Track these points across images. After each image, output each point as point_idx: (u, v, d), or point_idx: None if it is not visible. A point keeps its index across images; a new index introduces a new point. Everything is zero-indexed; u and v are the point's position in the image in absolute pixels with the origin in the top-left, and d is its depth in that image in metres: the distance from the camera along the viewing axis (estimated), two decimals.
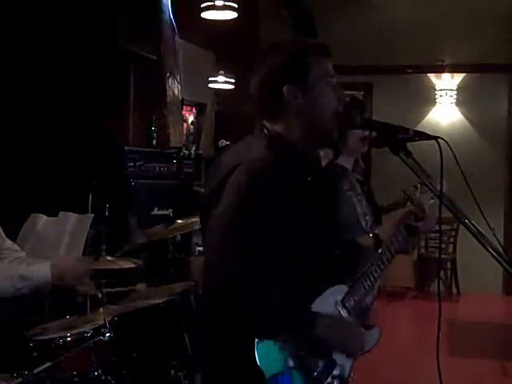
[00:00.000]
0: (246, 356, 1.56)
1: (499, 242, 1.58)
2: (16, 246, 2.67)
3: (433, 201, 2.04)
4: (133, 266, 2.89)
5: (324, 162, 2.50)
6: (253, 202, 1.56)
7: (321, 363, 1.68)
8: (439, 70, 8.00)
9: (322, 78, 1.71)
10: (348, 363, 1.77)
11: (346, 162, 2.63)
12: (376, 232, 2.09)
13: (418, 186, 2.06)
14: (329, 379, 1.70)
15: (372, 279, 1.85)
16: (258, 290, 1.56)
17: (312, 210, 1.71)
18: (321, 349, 1.64)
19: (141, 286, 2.72)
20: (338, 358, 1.72)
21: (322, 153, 2.28)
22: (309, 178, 1.76)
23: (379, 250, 1.94)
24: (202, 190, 4.79)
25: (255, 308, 1.57)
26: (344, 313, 1.76)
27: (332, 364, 1.70)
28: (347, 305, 1.77)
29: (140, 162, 4.28)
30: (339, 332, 1.67)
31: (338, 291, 1.77)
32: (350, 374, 1.79)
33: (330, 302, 1.74)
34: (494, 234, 1.61)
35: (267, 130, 1.73)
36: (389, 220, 2.11)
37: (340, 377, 1.73)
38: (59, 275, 2.37)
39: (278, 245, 1.59)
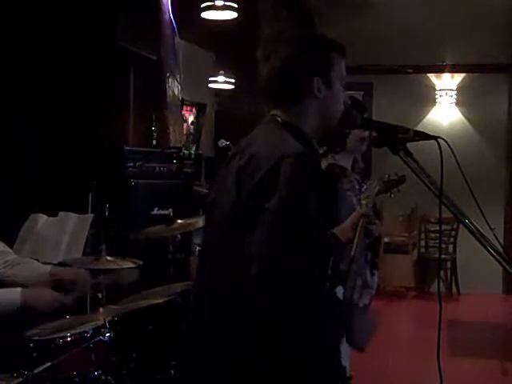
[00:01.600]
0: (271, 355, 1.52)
1: (499, 242, 1.58)
2: (7, 248, 2.67)
3: (371, 200, 2.21)
4: (133, 266, 2.89)
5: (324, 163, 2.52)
6: (307, 195, 1.53)
7: None
8: (439, 69, 8.00)
9: (339, 78, 1.73)
10: (348, 363, 1.80)
11: (344, 161, 2.63)
12: (333, 231, 2.12)
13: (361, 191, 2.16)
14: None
15: (356, 278, 1.89)
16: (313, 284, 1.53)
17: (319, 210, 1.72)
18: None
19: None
20: (343, 359, 1.74)
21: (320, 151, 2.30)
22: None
23: (351, 252, 2.00)
24: (203, 190, 4.80)
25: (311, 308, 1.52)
26: None
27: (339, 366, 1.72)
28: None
29: (140, 162, 4.28)
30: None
31: (338, 293, 1.79)
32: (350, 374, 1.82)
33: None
34: (494, 234, 1.61)
35: (281, 119, 1.70)
36: (347, 220, 2.18)
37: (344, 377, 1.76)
38: (28, 303, 2.37)
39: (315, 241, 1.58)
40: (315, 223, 1.55)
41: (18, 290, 2.40)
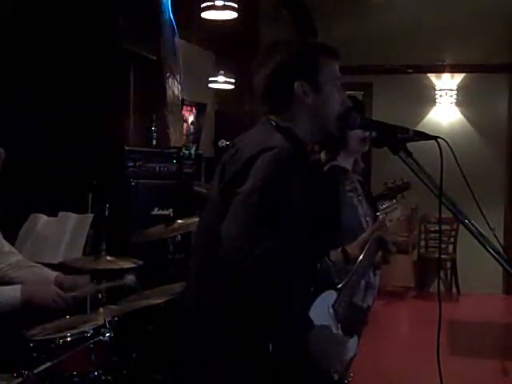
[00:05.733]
0: (258, 346, 1.58)
1: (499, 242, 1.58)
2: (13, 249, 2.66)
3: (395, 215, 2.17)
4: (133, 265, 2.89)
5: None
6: (281, 184, 1.56)
7: None
8: (439, 69, 8.00)
9: (330, 80, 1.73)
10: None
11: (345, 162, 2.62)
12: (344, 248, 2.14)
13: (380, 205, 2.14)
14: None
15: (352, 290, 1.90)
16: (281, 271, 1.55)
17: (314, 209, 1.72)
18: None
19: (130, 278, 2.70)
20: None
21: (322, 155, 2.30)
22: (312, 175, 1.78)
23: (355, 265, 2.00)
24: (203, 190, 4.81)
25: (279, 287, 1.55)
26: (335, 317, 1.81)
27: None
28: (337, 310, 1.82)
29: (140, 162, 4.28)
30: (327, 348, 1.67)
31: (329, 296, 1.81)
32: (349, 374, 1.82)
33: (323, 306, 1.79)
34: (494, 234, 1.61)
35: (275, 122, 1.74)
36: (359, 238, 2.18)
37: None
38: (30, 299, 2.35)
39: (293, 232, 1.59)
40: (288, 213, 1.56)
41: (18, 286, 2.39)
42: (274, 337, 1.57)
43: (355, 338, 1.94)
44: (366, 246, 2.05)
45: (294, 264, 1.60)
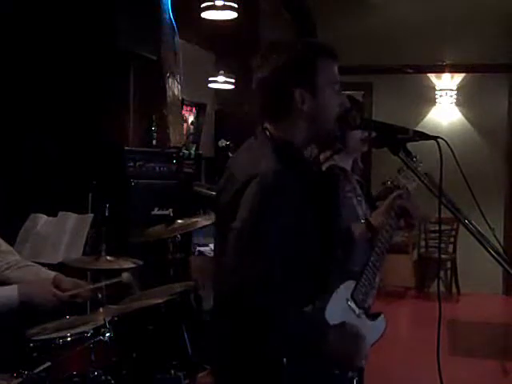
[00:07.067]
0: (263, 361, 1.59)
1: (499, 242, 1.58)
2: (10, 249, 2.65)
3: (415, 184, 2.06)
4: (133, 266, 2.89)
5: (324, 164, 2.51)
6: (268, 216, 1.56)
7: None
8: (439, 69, 8.00)
9: (328, 83, 1.69)
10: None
11: (344, 162, 2.62)
12: (367, 218, 2.14)
13: (400, 172, 2.09)
14: (349, 373, 1.73)
15: (374, 270, 1.88)
16: (276, 305, 1.55)
17: (316, 212, 1.71)
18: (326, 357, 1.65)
19: (126, 275, 2.69)
20: None
21: (321, 155, 2.29)
22: (311, 181, 1.76)
23: (376, 240, 1.98)
24: (203, 190, 4.80)
25: (272, 321, 1.56)
26: (355, 308, 1.79)
27: None
28: (357, 299, 1.80)
29: (140, 162, 4.28)
30: (346, 346, 1.66)
31: (347, 287, 1.79)
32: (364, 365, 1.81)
33: (341, 299, 1.76)
34: (494, 234, 1.61)
35: (270, 133, 1.71)
36: (379, 207, 2.15)
37: (359, 369, 1.76)
38: (27, 299, 2.34)
39: (292, 254, 1.60)
40: (283, 239, 1.56)
41: (16, 286, 2.38)
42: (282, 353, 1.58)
43: (379, 320, 1.91)
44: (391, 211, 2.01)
45: (289, 283, 1.59)
